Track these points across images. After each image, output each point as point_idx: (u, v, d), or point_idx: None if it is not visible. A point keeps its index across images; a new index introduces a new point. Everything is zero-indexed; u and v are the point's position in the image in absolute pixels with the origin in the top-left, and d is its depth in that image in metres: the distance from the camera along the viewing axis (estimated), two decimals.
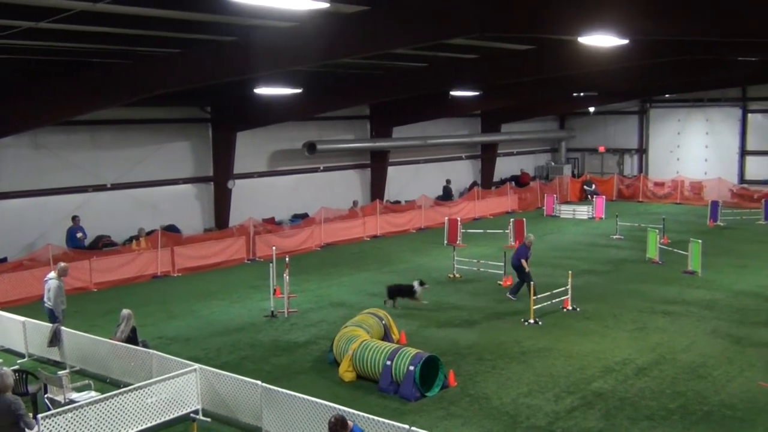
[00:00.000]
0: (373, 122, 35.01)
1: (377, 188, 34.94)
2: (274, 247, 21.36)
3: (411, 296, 20.01)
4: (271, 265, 19.83)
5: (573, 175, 45.22)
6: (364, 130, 35.01)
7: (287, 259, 20.36)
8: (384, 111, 34.07)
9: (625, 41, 17.41)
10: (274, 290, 19.67)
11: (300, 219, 30.57)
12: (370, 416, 10.80)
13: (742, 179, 42.26)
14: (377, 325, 16.14)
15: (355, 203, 33.16)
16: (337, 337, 15.41)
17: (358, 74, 27.43)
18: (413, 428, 10.20)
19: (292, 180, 31.93)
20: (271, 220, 29.71)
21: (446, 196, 37.71)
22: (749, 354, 15.78)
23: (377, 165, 35.06)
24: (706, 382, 14.28)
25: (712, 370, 14.91)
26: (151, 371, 13.59)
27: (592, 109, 44.62)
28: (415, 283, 20.15)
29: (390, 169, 35.47)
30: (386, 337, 16.14)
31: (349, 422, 9.16)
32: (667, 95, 43.73)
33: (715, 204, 34.17)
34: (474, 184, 40.21)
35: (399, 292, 20.10)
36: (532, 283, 19.18)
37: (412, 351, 14.06)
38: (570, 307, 19.39)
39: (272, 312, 19.36)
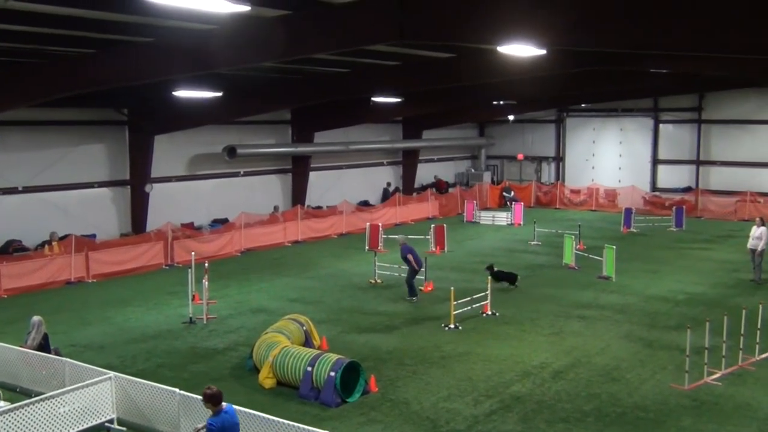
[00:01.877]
0: (295, 127, 34.84)
1: (298, 193, 34.76)
2: (192, 253, 21.03)
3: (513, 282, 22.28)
4: (189, 270, 19.50)
5: (492, 182, 45.95)
6: (285, 135, 34.80)
7: (206, 264, 20.05)
8: (306, 116, 33.96)
9: (543, 51, 17.77)
10: (193, 296, 19.35)
11: (220, 224, 30.15)
12: (290, 423, 10.71)
13: (654, 187, 43.65)
14: (298, 331, 16.03)
15: (276, 208, 32.92)
16: (257, 344, 15.25)
17: (279, 78, 27.28)
18: None
19: (212, 184, 31.48)
20: (190, 225, 29.22)
21: (386, 198, 38.10)
22: (660, 357, 16.26)
23: (299, 170, 34.88)
24: (620, 384, 14.64)
25: (626, 372, 15.31)
26: (63, 380, 13.17)
27: (511, 118, 45.42)
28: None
29: (311, 175, 35.34)
30: (307, 343, 16.04)
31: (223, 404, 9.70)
32: (583, 105, 44.85)
33: (628, 211, 35.17)
34: (395, 189, 40.43)
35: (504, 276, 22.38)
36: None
37: (333, 357, 14.01)
38: (489, 312, 19.64)
39: (191, 318, 19.02)
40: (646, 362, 15.92)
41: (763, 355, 15.99)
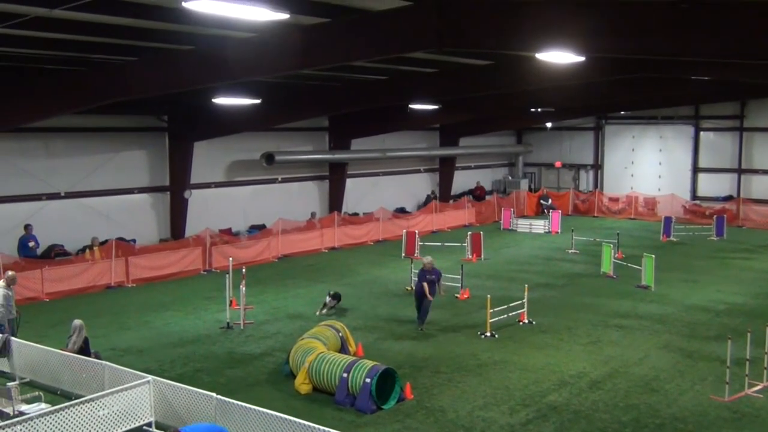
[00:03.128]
0: (332, 134, 35.02)
1: (335, 200, 34.91)
2: (230, 258, 21.20)
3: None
4: (227, 276, 19.67)
5: (530, 190, 45.68)
6: (322, 142, 34.97)
7: (244, 270, 20.21)
8: (343, 123, 34.11)
9: (582, 58, 17.66)
10: (230, 301, 19.50)
11: (257, 230, 30.38)
12: (326, 429, 10.74)
13: (694, 196, 43.06)
14: (334, 338, 16.07)
15: (313, 215, 33.08)
16: (294, 349, 15.32)
17: (317, 86, 27.43)
18: None
19: (250, 191, 31.74)
20: (227, 231, 29.48)
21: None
22: (700, 368, 16.03)
23: (335, 177, 35.03)
24: (659, 395, 14.47)
25: (664, 383, 15.12)
26: (103, 383, 13.36)
27: (549, 125, 45.16)
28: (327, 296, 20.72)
29: (348, 181, 35.46)
30: (343, 349, 16.08)
31: None
32: (622, 112, 44.45)
33: (668, 220, 34.74)
34: (433, 196, 40.39)
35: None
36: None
37: (369, 363, 14.03)
38: (526, 321, 19.53)
39: (228, 323, 19.18)
40: (685, 373, 15.71)
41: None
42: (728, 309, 21.16)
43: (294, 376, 14.85)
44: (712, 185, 42.69)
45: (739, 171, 41.88)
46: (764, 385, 14.64)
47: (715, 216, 36.21)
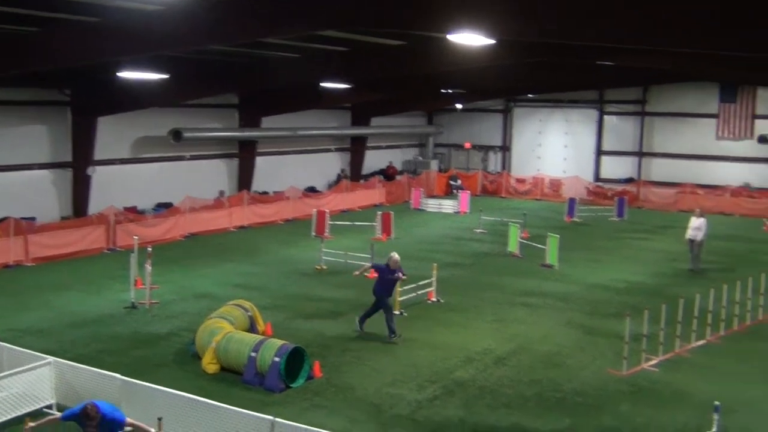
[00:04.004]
0: (242, 111, 34.48)
1: (245, 178, 34.48)
2: (135, 237, 20.72)
3: None
4: (132, 254, 19.23)
5: (440, 170, 46.18)
6: (232, 119, 34.43)
7: (149, 249, 19.79)
8: (253, 100, 33.64)
9: (492, 41, 17.88)
10: (135, 281, 19.09)
11: (164, 208, 29.76)
12: (234, 408, 10.68)
13: (597, 178, 44.40)
14: (242, 317, 15.94)
15: (221, 193, 32.63)
16: (201, 329, 15.13)
17: (227, 62, 26.96)
18: (277, 419, 10.15)
19: (157, 168, 31.00)
20: (133, 209, 28.76)
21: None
22: (600, 344, 16.59)
23: (245, 155, 34.58)
24: (561, 370, 14.92)
25: (566, 358, 15.59)
26: (1, 365, 12.90)
27: (459, 106, 45.67)
28: None
29: (258, 160, 35.06)
30: (252, 329, 15.96)
31: (98, 414, 9.77)
32: (529, 95, 45.34)
33: (572, 201, 35.71)
34: (343, 175, 40.38)
35: None
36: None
37: (278, 342, 13.99)
38: (434, 299, 19.79)
39: (133, 303, 18.77)
40: (586, 349, 16.24)
41: (699, 342, 16.43)
42: (628, 287, 21.94)
43: (201, 357, 14.67)
44: (614, 168, 44.11)
45: (640, 154, 43.37)
46: (660, 359, 15.27)
47: (616, 197, 37.43)
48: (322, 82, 30.51)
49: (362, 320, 17.03)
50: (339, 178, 39.30)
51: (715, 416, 10.78)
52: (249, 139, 34.31)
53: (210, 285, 21.28)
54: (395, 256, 17.14)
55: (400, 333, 16.53)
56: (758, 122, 40.60)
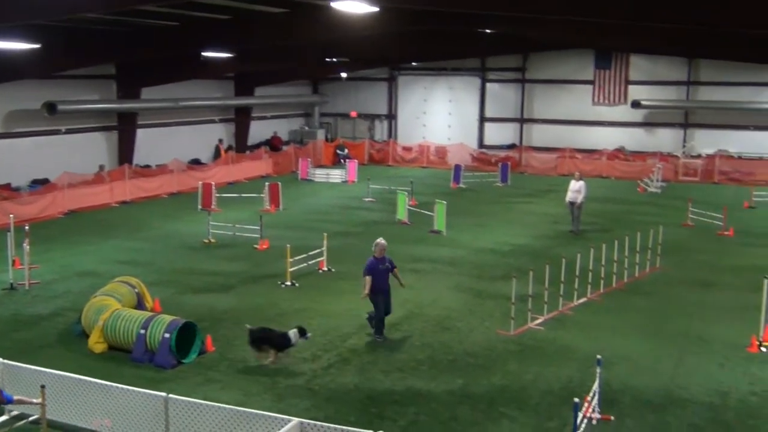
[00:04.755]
0: (120, 82, 33.22)
1: (125, 151, 33.33)
2: (11, 215, 19.79)
3: (282, 348, 13.60)
4: (8, 234, 18.37)
5: (326, 140, 46.06)
6: (110, 91, 33.16)
7: (27, 227, 18.95)
8: (132, 71, 32.44)
9: (375, 9, 17.88)
10: (13, 261, 18.27)
11: (40, 185, 28.49)
12: (125, 386, 10.43)
13: (481, 144, 45.35)
14: (129, 294, 15.52)
15: (101, 167, 31.50)
16: (86, 308, 14.65)
17: (103, 30, 25.89)
18: (171, 396, 9.98)
19: (31, 143, 29.55)
20: (6, 186, 27.40)
21: (218, 155, 37.84)
22: (488, 305, 17.04)
23: (125, 127, 33.43)
24: (451, 333, 15.25)
25: (456, 321, 15.95)
26: None
27: (344, 75, 45.56)
28: (292, 333, 13.72)
29: (139, 132, 33.97)
30: (139, 305, 15.57)
31: None
32: (413, 63, 45.69)
33: (457, 168, 36.36)
34: (229, 147, 39.71)
35: (264, 340, 13.61)
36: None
37: (168, 318, 13.72)
38: (325, 268, 19.82)
39: (11, 284, 17.95)
40: (475, 311, 16.65)
41: (581, 300, 17.12)
42: (513, 250, 22.59)
43: (87, 336, 14.22)
44: (497, 134, 45.17)
45: (521, 120, 44.54)
46: (545, 318, 15.83)
47: (500, 163, 38.35)
48: (203, 51, 29.80)
49: (379, 330, 14.82)
50: (217, 149, 38.37)
51: (598, 370, 11.28)
52: (128, 110, 33.18)
53: (93, 263, 20.59)
54: (382, 241, 15.22)
55: (381, 339, 14.80)
56: (632, 88, 42.37)
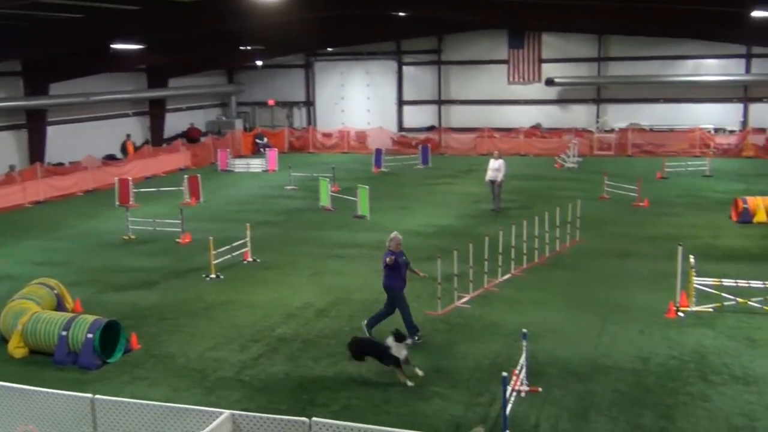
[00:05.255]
0: (27, 78, 32.14)
1: (36, 150, 32.29)
2: None
3: (388, 361, 12.16)
4: None
5: (245, 129, 45.55)
6: (16, 88, 32.04)
7: None
8: (39, 66, 31.40)
9: None
10: None
11: None
12: (49, 390, 10.12)
13: (401, 127, 45.54)
14: (48, 296, 15.08)
15: (11, 167, 30.45)
16: (4, 312, 14.18)
17: (3, 26, 24.97)
18: (97, 396, 9.75)
19: None
20: None
21: (124, 151, 36.65)
22: (415, 286, 17.04)
23: (34, 125, 32.37)
24: None
25: (384, 305, 15.97)
26: None
27: (259, 63, 45.08)
28: (389, 340, 12.19)
29: (49, 129, 32.95)
30: (60, 307, 15.14)
31: None
32: (329, 49, 45.49)
33: (378, 151, 36.45)
34: (145, 141, 38.88)
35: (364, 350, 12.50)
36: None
37: (90, 318, 13.40)
38: (250, 259, 19.64)
39: None
40: None
41: (505, 277, 17.41)
42: (436, 231, 22.79)
43: (6, 341, 13.77)
44: (416, 117, 45.43)
45: (439, 102, 44.89)
46: (471, 296, 16.05)
47: (420, 146, 38.60)
48: (112, 43, 29.01)
49: (371, 325, 14.15)
50: (124, 146, 37.26)
51: (524, 343, 11.51)
52: (37, 108, 32.13)
53: (8, 265, 19.92)
54: (398, 235, 14.30)
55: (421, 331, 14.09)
56: (545, 66, 43.12)
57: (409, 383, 11.83)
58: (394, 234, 14.32)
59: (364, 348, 12.40)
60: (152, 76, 39.86)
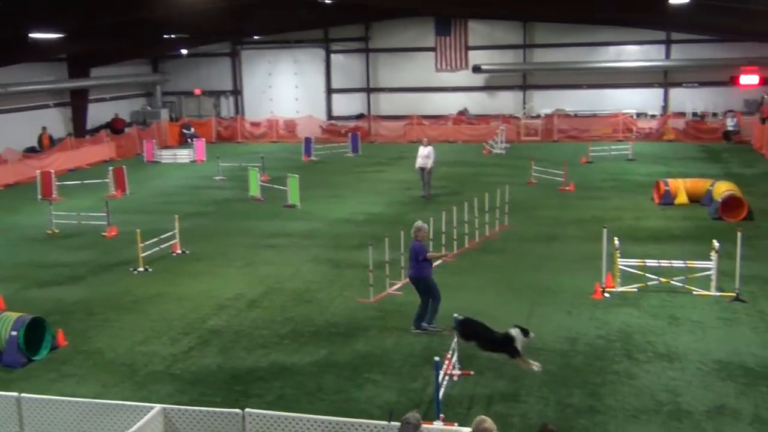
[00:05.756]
0: None
1: None
2: None
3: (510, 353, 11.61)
4: None
5: (171, 119, 44.77)
6: None
7: None
8: None
9: None
10: None
11: None
12: None
13: (330, 116, 45.41)
14: None
15: None
16: None
17: None
18: (23, 395, 9.51)
19: None
20: None
21: (41, 144, 35.32)
22: (347, 275, 17.20)
23: None
24: (312, 305, 15.29)
25: (316, 293, 16.00)
26: None
27: (184, 52, 44.32)
28: (514, 331, 11.71)
29: None
30: None
31: None
32: (256, 37, 45.01)
33: (308, 140, 36.28)
34: (68, 134, 37.87)
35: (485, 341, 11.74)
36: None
37: (13, 315, 13.03)
38: (179, 251, 19.36)
39: None
40: (334, 282, 16.76)
41: (437, 263, 17.47)
42: (367, 219, 22.85)
43: None
44: (345, 105, 45.35)
45: (368, 90, 44.90)
46: (403, 283, 16.13)
47: (350, 134, 38.56)
48: (30, 32, 28.08)
49: (417, 319, 13.69)
50: (40, 139, 36.16)
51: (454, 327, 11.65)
52: None
53: None
54: (424, 225, 14.02)
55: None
56: (472, 53, 43.51)
57: (536, 367, 11.40)
58: (422, 224, 13.90)
59: (477, 331, 11.70)
60: (73, 66, 38.73)
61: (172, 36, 37.58)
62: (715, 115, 40.39)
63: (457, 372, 11.60)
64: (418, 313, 13.69)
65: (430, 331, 13.49)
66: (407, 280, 16.21)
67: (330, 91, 45.75)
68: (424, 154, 25.28)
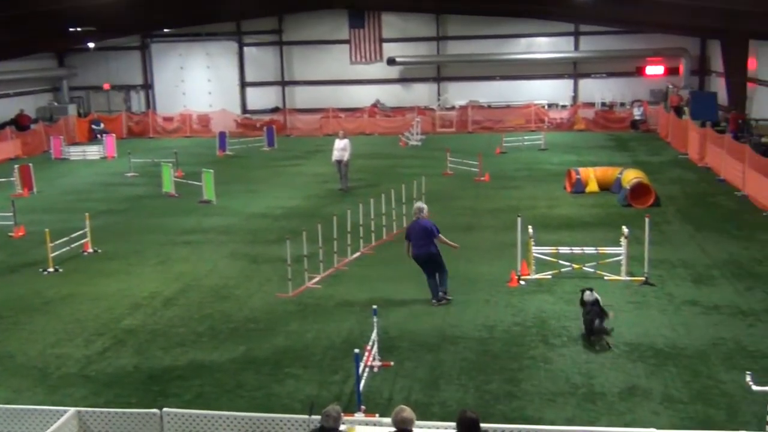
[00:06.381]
0: None
1: None
2: None
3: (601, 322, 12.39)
4: None
5: (79, 115, 43.51)
6: None
7: None
8: None
9: None
10: None
11: None
12: None
13: (245, 110, 44.93)
14: None
15: None
16: None
17: None
18: None
19: None
20: None
21: None
22: (265, 270, 17.06)
23: None
24: (230, 301, 15.12)
25: (234, 289, 15.82)
26: None
27: (91, 45, 43.09)
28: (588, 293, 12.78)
29: None
30: None
31: None
32: (166, 30, 44.11)
33: (222, 135, 35.81)
34: None
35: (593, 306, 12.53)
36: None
37: None
38: (91, 250, 18.85)
39: None
40: (252, 277, 16.61)
41: (355, 255, 17.59)
42: (285, 213, 22.71)
43: None
44: (260, 98, 44.95)
45: (283, 83, 44.60)
46: (322, 276, 16.11)
47: (265, 128, 38.21)
48: None
49: (437, 293, 14.49)
50: None
51: (374, 319, 11.69)
52: None
53: None
54: (423, 208, 14.76)
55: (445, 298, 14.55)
56: (386, 45, 43.69)
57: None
58: (418, 203, 14.99)
59: (593, 304, 12.53)
60: None
61: (78, 29, 36.46)
62: (622, 105, 41.62)
63: (377, 363, 11.65)
64: (432, 288, 14.48)
65: (449, 300, 14.47)
66: (327, 272, 16.25)
67: (244, 84, 45.25)
68: (341, 147, 25.26)
